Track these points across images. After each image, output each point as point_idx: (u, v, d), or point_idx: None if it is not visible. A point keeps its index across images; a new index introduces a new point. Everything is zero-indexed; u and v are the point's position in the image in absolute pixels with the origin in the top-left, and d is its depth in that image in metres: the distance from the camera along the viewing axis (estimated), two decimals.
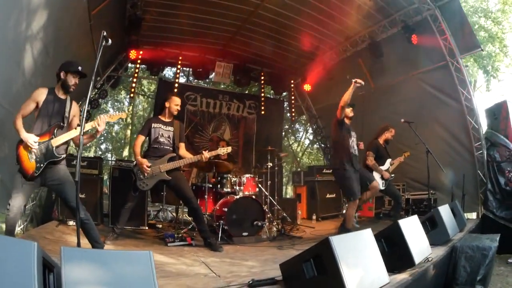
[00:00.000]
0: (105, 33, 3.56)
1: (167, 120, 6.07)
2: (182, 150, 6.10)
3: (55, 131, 4.21)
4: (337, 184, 6.76)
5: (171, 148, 5.95)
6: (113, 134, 19.53)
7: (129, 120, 20.10)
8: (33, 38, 4.48)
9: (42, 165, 4.07)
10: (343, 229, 6.25)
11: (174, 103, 6.04)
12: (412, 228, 4.26)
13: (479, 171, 8.12)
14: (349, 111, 6.42)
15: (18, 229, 5.76)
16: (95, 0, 6.14)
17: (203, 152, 5.95)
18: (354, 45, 9.84)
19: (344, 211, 11.28)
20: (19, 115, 4.04)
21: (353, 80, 5.81)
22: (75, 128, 4.29)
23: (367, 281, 3.06)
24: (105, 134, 18.87)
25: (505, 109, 8.25)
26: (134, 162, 5.85)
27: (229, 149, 6.26)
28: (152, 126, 5.91)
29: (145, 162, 5.64)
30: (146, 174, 5.67)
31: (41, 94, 4.16)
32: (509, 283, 5.60)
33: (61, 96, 4.33)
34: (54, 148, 4.15)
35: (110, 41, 3.61)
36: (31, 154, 4.02)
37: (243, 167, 10.56)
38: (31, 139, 3.99)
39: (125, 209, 5.85)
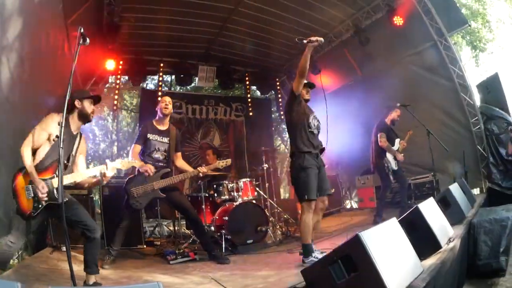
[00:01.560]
0: (82, 30, 3.20)
1: (163, 128, 5.68)
2: (179, 161, 5.82)
3: (57, 169, 3.56)
4: (291, 176, 5.00)
5: (165, 164, 5.60)
6: (100, 152, 19.17)
7: (114, 136, 19.70)
8: (8, 49, 4.07)
9: (40, 205, 3.62)
10: (303, 247, 4.72)
11: (162, 103, 5.64)
12: (431, 211, 4.16)
13: (478, 146, 8.14)
14: (305, 92, 5.08)
15: (13, 258, 5.40)
16: (71, 8, 5.81)
17: (200, 168, 5.57)
18: (339, 35, 9.67)
19: (345, 205, 11.17)
20: (28, 148, 3.60)
21: (304, 41, 4.55)
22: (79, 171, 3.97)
23: (404, 273, 2.86)
24: (92, 153, 18.50)
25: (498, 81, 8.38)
26: (126, 180, 5.49)
27: (229, 161, 5.75)
28: (148, 137, 5.52)
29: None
30: (137, 194, 5.33)
31: (55, 126, 3.69)
32: None
33: (74, 130, 3.98)
34: (54, 189, 3.66)
35: (88, 40, 3.26)
36: (28, 190, 3.57)
37: (237, 172, 10.22)
38: (41, 187, 3.53)
39: (120, 228, 5.51)
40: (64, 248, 5.91)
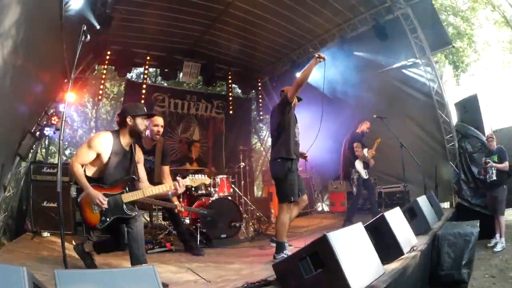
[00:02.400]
0: (85, 28, 3.40)
1: (148, 147, 5.49)
2: (165, 174, 5.64)
3: (127, 185, 3.92)
4: (273, 177, 5.14)
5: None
6: (77, 138, 19.00)
7: (92, 124, 19.63)
8: (4, 36, 4.16)
9: (108, 219, 3.79)
10: (277, 244, 4.94)
11: (155, 127, 5.42)
12: (396, 219, 4.37)
13: (451, 163, 8.38)
14: (295, 101, 5.19)
15: None
16: None
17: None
18: (323, 43, 9.80)
19: (316, 208, 11.49)
20: (77, 165, 3.74)
21: (315, 55, 4.77)
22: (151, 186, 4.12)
23: (366, 273, 3.10)
24: (69, 139, 18.33)
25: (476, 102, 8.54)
26: None
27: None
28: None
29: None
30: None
31: (106, 146, 3.84)
32: (492, 266, 5.97)
33: (126, 146, 4.01)
34: (123, 204, 3.84)
35: (89, 37, 3.46)
36: (95, 207, 3.72)
37: (215, 168, 10.42)
38: (100, 197, 3.67)
39: None
40: (45, 234, 6.14)
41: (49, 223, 6.41)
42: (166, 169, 5.69)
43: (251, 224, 7.91)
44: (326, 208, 11.63)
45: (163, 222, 7.71)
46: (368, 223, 4.13)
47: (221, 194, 7.30)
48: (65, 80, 8.16)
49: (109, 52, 9.57)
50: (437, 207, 6.73)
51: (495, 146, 7.20)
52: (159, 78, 12.39)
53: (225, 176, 7.71)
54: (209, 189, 7.28)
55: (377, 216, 4.23)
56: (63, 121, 3.41)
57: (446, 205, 8.64)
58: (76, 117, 18.36)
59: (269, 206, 9.60)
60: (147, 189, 4.01)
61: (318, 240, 3.01)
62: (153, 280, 2.25)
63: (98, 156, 3.81)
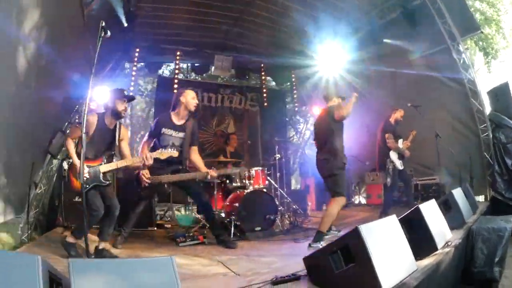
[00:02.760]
0: (103, 24, 3.35)
1: (179, 122, 5.63)
2: (194, 154, 5.80)
3: (105, 158, 4.61)
4: (326, 174, 5.52)
5: (178, 159, 5.45)
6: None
7: (128, 121, 19.93)
8: (25, 38, 4.29)
9: (88, 186, 4.39)
10: (317, 233, 5.25)
11: (191, 97, 5.63)
12: (432, 213, 4.16)
13: (485, 153, 7.96)
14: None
15: (23, 238, 5.60)
16: None
17: (210, 171, 5.65)
18: (355, 32, 9.33)
19: (353, 200, 11.23)
20: (69, 139, 4.60)
21: (355, 94, 5.58)
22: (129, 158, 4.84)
23: (397, 269, 2.91)
24: None
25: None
26: (136, 172, 5.49)
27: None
28: (163, 131, 5.50)
29: (146, 174, 5.35)
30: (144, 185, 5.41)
31: (91, 125, 4.53)
32: None
33: (109, 125, 4.70)
34: (101, 174, 4.52)
35: (109, 33, 3.40)
36: (79, 175, 4.21)
37: (251, 160, 10.31)
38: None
39: (135, 213, 5.67)
40: None
41: (80, 217, 6.44)
42: (195, 149, 5.83)
43: (286, 216, 7.74)
44: (363, 201, 11.35)
45: (197, 215, 7.66)
46: (402, 215, 3.93)
47: (256, 186, 7.18)
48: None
49: (137, 50, 9.63)
50: (472, 200, 6.37)
51: None
52: (192, 74, 12.29)
53: (260, 168, 7.58)
54: (244, 181, 7.19)
55: (412, 209, 4.03)
56: (84, 118, 3.43)
57: (481, 198, 8.17)
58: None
59: (305, 198, 9.42)
60: (120, 161, 4.74)
61: (350, 233, 2.88)
62: (170, 271, 2.21)
63: (87, 133, 4.29)
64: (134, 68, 10.07)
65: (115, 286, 2.00)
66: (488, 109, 8.19)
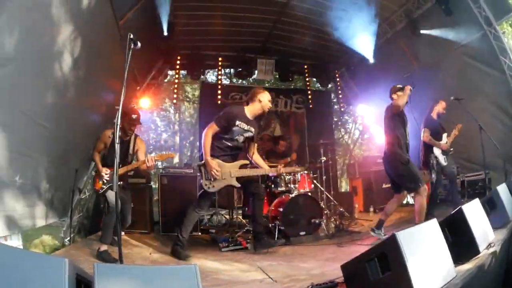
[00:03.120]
0: (131, 36, 3.39)
1: (251, 118, 5.55)
2: (255, 154, 5.73)
3: (120, 165, 4.82)
4: (396, 171, 5.64)
5: (236, 153, 5.50)
6: (162, 142, 19.80)
7: (176, 127, 20.31)
8: (60, 51, 4.42)
9: (105, 186, 5.14)
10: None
11: (268, 98, 5.58)
12: (475, 213, 3.94)
13: None
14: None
15: (65, 241, 5.91)
16: (122, 9, 6.04)
17: (279, 166, 5.67)
18: (392, 26, 9.32)
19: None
20: (95, 151, 5.37)
21: (408, 87, 5.66)
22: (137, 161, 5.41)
23: (436, 278, 2.76)
24: (154, 143, 19.20)
25: None
26: (202, 162, 5.26)
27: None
28: (236, 123, 5.35)
29: (215, 166, 5.16)
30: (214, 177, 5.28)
31: (108, 138, 5.25)
32: None
33: (124, 137, 5.28)
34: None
35: (139, 44, 3.42)
36: (100, 178, 5.17)
37: (298, 163, 10.18)
38: (103, 171, 5.16)
39: (195, 214, 5.51)
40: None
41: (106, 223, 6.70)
42: (255, 146, 5.78)
43: (332, 220, 7.58)
44: (411, 201, 10.90)
45: (243, 220, 7.66)
46: (444, 218, 3.76)
47: (301, 190, 7.12)
48: (138, 88, 8.47)
49: (179, 57, 9.77)
50: None
51: None
52: (235, 79, 12.32)
53: (305, 172, 7.47)
54: (289, 185, 7.13)
55: (455, 210, 3.80)
56: (117, 125, 3.46)
57: None
58: (159, 121, 19.04)
59: (352, 201, 9.20)
60: (124, 167, 5.23)
61: (387, 240, 2.76)
62: (193, 280, 2.18)
63: (105, 145, 5.32)
64: (176, 76, 10.21)
65: None
66: None
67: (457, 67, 8.36)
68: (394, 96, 5.77)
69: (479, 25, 7.54)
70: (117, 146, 3.42)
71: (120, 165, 4.94)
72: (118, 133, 4.45)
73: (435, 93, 8.17)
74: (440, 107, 7.25)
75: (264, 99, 5.52)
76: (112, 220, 4.95)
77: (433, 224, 3.13)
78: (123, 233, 6.30)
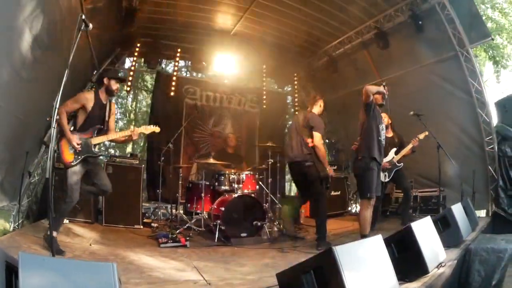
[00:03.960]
0: (83, 16, 3.34)
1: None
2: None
3: (95, 132, 4.95)
4: (354, 174, 5.74)
5: None
6: (117, 130, 19.48)
7: (132, 116, 19.94)
8: (21, 29, 4.23)
9: (80, 157, 4.77)
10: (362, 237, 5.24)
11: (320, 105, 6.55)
12: (425, 231, 3.96)
13: (489, 167, 7.74)
14: (379, 97, 5.71)
15: (14, 226, 5.68)
16: None
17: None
18: (360, 35, 9.37)
19: (350, 209, 11.01)
20: (63, 112, 4.70)
21: (384, 85, 5.71)
22: (115, 131, 5.23)
23: None
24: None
25: None
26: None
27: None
28: None
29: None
30: None
31: (89, 100, 4.91)
32: None
33: (104, 101, 5.07)
34: (92, 146, 4.90)
35: (90, 25, 3.37)
36: (70, 148, 4.71)
37: (247, 164, 10.15)
38: (74, 140, 4.70)
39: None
40: (64, 221, 6.09)
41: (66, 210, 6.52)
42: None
43: (276, 224, 7.52)
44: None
45: (184, 216, 7.58)
46: (391, 234, 3.82)
47: (245, 191, 7.10)
48: (94, 72, 8.21)
49: (138, 45, 9.56)
50: (473, 216, 6.20)
51: None
52: (192, 72, 12.14)
53: (250, 172, 7.51)
54: (233, 185, 7.08)
55: (404, 227, 3.82)
56: (55, 110, 3.39)
57: (483, 213, 7.98)
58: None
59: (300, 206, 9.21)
60: (109, 135, 5.10)
61: (324, 253, 2.76)
62: (110, 278, 2.21)
63: (83, 107, 4.88)
64: (134, 63, 9.97)
65: (55, 283, 2.04)
66: (495, 121, 7.95)
67: (421, 83, 8.51)
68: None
69: (451, 46, 7.68)
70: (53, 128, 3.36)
71: (95, 131, 4.95)
72: (93, 97, 4.97)
73: (396, 107, 8.32)
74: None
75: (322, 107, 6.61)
76: (70, 205, 4.84)
77: (377, 240, 3.13)
78: (67, 220, 6.27)
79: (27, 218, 6.22)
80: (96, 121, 4.95)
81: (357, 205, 11.23)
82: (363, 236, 5.14)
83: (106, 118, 5.07)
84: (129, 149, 20.05)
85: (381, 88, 5.58)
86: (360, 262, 2.78)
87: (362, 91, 5.50)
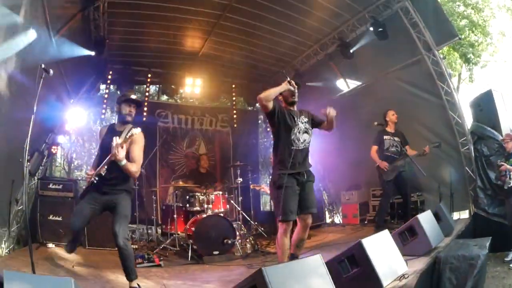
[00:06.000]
0: (43, 66, 3.54)
1: (392, 131, 7.39)
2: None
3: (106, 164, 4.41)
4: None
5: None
6: (93, 157, 19.24)
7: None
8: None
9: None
10: None
11: (392, 114, 7.39)
12: (380, 246, 3.88)
13: (466, 168, 7.62)
14: (287, 95, 4.71)
15: (5, 251, 5.84)
16: (59, 22, 6.16)
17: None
18: (324, 48, 9.47)
19: (326, 220, 11.24)
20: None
21: (288, 79, 4.65)
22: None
23: None
24: (82, 156, 18.81)
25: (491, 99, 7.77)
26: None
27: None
28: (384, 138, 7.30)
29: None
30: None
31: (102, 134, 4.63)
32: (505, 286, 5.10)
33: (119, 128, 4.51)
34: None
35: (51, 72, 3.60)
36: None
37: (221, 182, 10.31)
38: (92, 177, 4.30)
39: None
40: (50, 245, 6.69)
41: (54, 234, 6.85)
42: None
43: (248, 240, 7.75)
44: (337, 221, 11.22)
45: (159, 237, 7.88)
46: (344, 250, 3.79)
47: (215, 210, 7.34)
48: (71, 101, 8.43)
49: (110, 72, 9.84)
50: (446, 221, 5.99)
51: None
52: (163, 96, 12.39)
53: (220, 192, 7.75)
54: (203, 205, 7.31)
55: (353, 244, 3.72)
56: (26, 152, 3.79)
57: (465, 214, 7.78)
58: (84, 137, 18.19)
59: (275, 221, 9.43)
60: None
61: (255, 273, 2.80)
62: None
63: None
64: (106, 90, 10.25)
65: None
66: (468, 121, 7.87)
67: (390, 90, 8.55)
68: None
69: (417, 50, 7.70)
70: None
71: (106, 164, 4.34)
72: (106, 130, 4.60)
73: (365, 117, 8.58)
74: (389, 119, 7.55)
75: (390, 117, 7.42)
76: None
77: (315, 260, 3.11)
78: (53, 245, 6.61)
79: (17, 243, 6.36)
80: (106, 152, 4.27)
81: (336, 215, 11.50)
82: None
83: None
84: None
85: (284, 86, 4.54)
86: (294, 283, 2.80)
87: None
